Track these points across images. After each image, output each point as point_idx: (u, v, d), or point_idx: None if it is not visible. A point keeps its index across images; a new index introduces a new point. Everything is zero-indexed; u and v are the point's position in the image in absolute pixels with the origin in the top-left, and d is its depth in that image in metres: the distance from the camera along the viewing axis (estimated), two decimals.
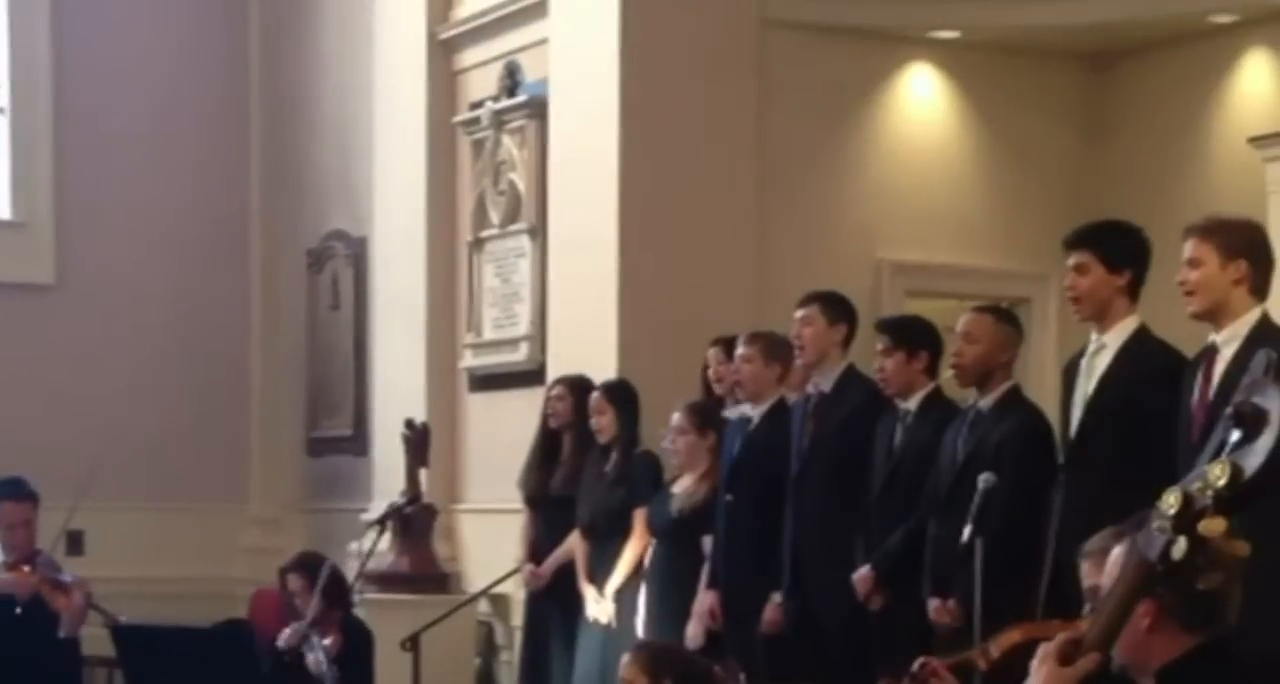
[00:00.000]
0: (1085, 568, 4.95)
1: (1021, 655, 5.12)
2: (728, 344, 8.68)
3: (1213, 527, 3.05)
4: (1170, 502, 3.10)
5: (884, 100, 10.93)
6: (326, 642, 8.42)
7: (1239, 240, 6.18)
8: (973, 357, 7.30)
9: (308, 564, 8.91)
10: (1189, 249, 6.19)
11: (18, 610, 8.97)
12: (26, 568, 9.15)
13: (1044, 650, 3.40)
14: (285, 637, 8.45)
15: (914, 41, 10.94)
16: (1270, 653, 4.86)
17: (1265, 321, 6.15)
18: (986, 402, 7.28)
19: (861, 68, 10.82)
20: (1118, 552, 3.59)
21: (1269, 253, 6.24)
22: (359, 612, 10.05)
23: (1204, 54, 10.56)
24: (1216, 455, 3.12)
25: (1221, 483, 3.04)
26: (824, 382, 8.05)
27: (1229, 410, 3.16)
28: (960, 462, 7.17)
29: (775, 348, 8.33)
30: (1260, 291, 6.18)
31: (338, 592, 8.71)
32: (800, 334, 8.06)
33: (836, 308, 8.11)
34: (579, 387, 9.45)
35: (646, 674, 5.67)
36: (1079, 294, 6.71)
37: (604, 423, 9.13)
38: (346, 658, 8.49)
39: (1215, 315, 6.19)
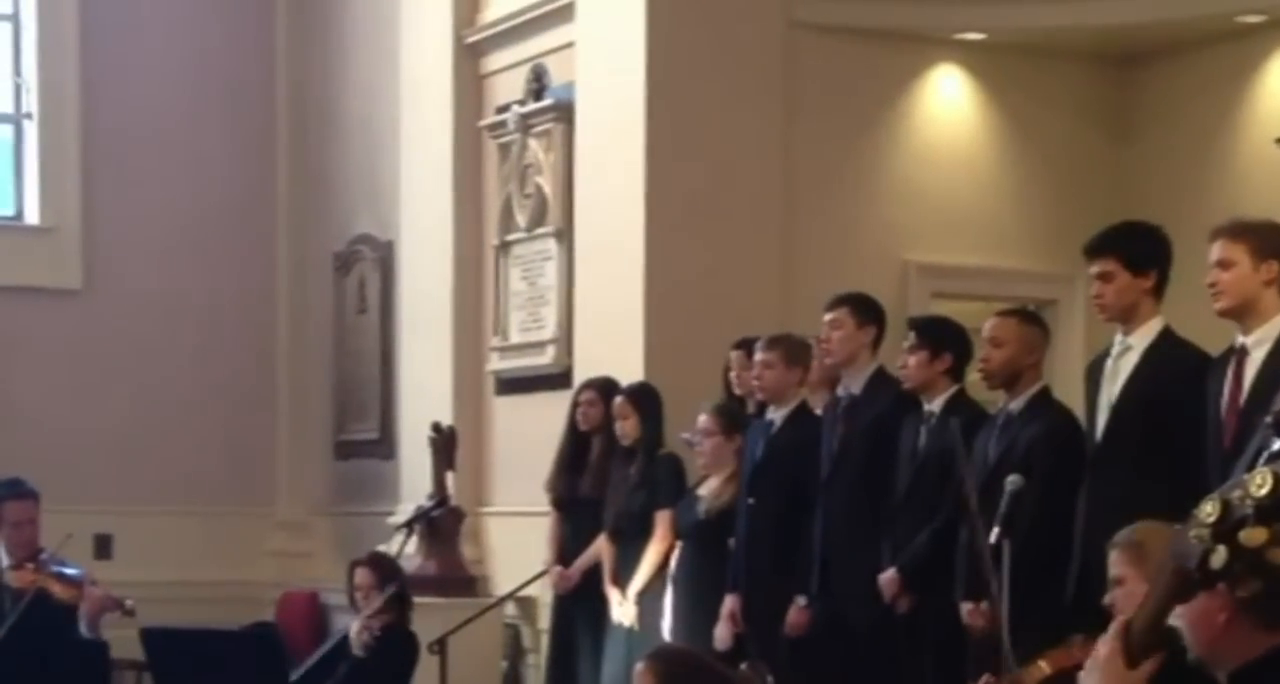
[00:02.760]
0: (1113, 557, 4.94)
1: None
2: (750, 347, 8.68)
3: (1253, 536, 3.00)
4: (1209, 510, 3.05)
5: (910, 102, 10.91)
6: (371, 621, 8.48)
7: (1270, 242, 6.18)
8: (1000, 360, 7.29)
9: (378, 562, 8.95)
10: (1218, 250, 6.17)
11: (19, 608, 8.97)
12: (30, 565, 9.18)
13: (1108, 648, 3.35)
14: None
15: (940, 43, 10.92)
16: None
17: None
18: (1016, 404, 7.27)
19: (888, 70, 10.81)
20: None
21: None
22: None
23: (1232, 54, 10.53)
24: (1255, 463, 3.09)
25: (1263, 492, 3.00)
26: (854, 384, 8.04)
27: (1269, 419, 3.13)
28: (991, 464, 7.16)
29: (795, 352, 8.33)
30: None
31: (399, 593, 8.78)
32: (829, 336, 8.05)
33: (866, 310, 8.10)
34: (608, 390, 9.45)
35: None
36: (1107, 302, 6.69)
37: (628, 427, 9.14)
38: (386, 642, 8.51)
39: (1243, 315, 6.18)
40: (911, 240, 10.82)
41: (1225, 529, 3.01)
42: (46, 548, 9.38)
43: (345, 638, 8.55)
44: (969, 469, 6.70)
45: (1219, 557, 3.02)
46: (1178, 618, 3.42)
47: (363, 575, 8.80)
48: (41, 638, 8.92)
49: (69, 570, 9.24)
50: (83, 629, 9.08)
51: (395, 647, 8.65)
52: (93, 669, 9.28)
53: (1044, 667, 5.71)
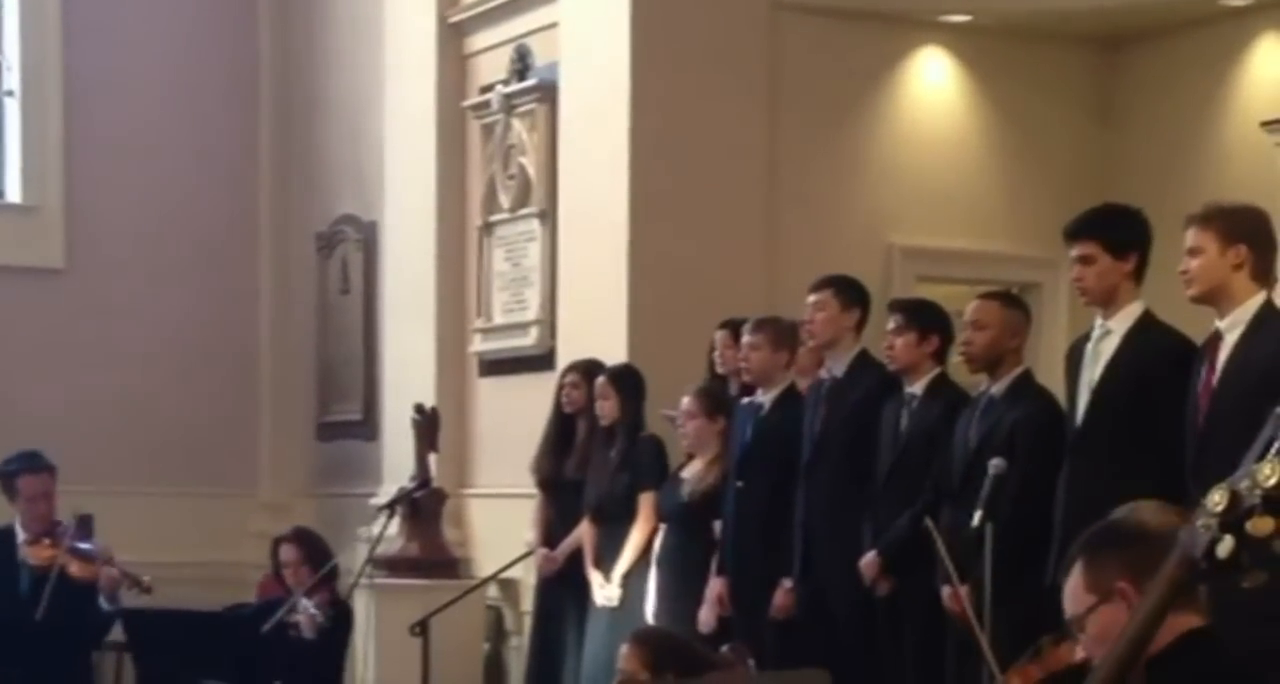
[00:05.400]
0: None
1: None
2: (735, 327, 8.66)
3: (1261, 526, 2.99)
4: (1216, 499, 3.05)
5: (895, 84, 10.89)
6: (315, 599, 8.53)
7: (1238, 226, 6.15)
8: (982, 343, 7.28)
9: (302, 537, 8.99)
10: (1190, 238, 6.17)
11: (46, 588, 8.95)
12: (47, 541, 9.14)
13: None
14: (270, 624, 8.56)
15: (925, 25, 10.90)
16: (1265, 641, 4.86)
17: (1269, 307, 6.12)
18: (998, 387, 7.27)
19: (872, 51, 10.78)
20: (1069, 580, 3.62)
21: (1271, 237, 6.20)
22: (366, 594, 10.11)
23: (1216, 38, 10.52)
24: (1264, 454, 3.08)
25: (1271, 482, 2.99)
26: (837, 367, 8.03)
27: (1277, 409, 3.12)
28: (973, 448, 7.16)
29: (782, 334, 8.31)
30: (1263, 277, 6.14)
31: (331, 578, 8.83)
32: (813, 319, 8.03)
33: (850, 292, 8.09)
34: (593, 372, 9.44)
35: (646, 666, 5.63)
36: (1087, 285, 6.68)
37: (607, 408, 9.13)
38: (336, 617, 8.55)
39: (1215, 300, 6.17)
40: (895, 223, 10.81)
41: (1233, 519, 3.01)
42: (63, 522, 9.35)
43: (279, 619, 8.56)
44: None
45: (1225, 546, 3.01)
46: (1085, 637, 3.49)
47: (288, 552, 8.86)
48: (66, 612, 8.91)
49: (85, 546, 9.22)
50: (103, 602, 9.08)
51: (339, 616, 8.69)
52: (94, 639, 9.31)
53: (1015, 682, 5.68)
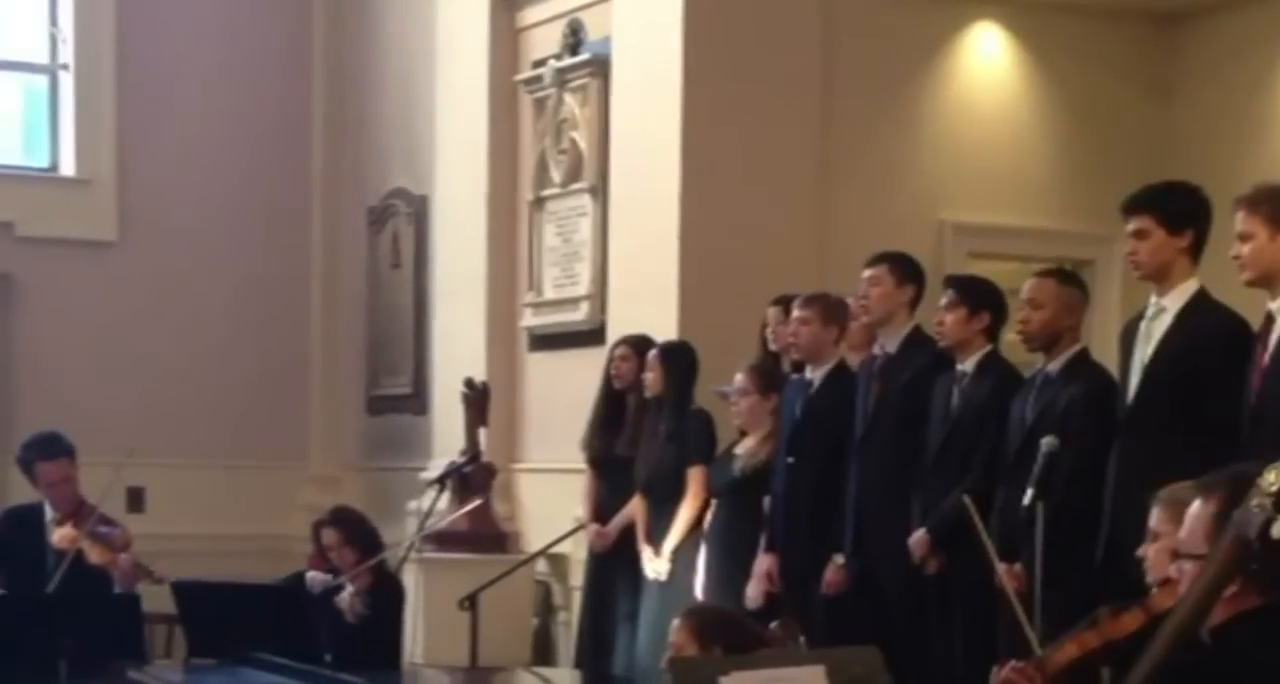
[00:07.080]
0: (1155, 511, 4.91)
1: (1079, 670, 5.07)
2: (788, 303, 8.64)
3: None
4: (1270, 479, 3.03)
5: (949, 60, 10.84)
6: (357, 585, 8.55)
7: None
8: (1039, 322, 7.24)
9: (342, 518, 8.98)
10: (1239, 222, 6.15)
11: (63, 565, 8.94)
12: (70, 523, 9.14)
13: None
14: (313, 586, 8.59)
15: (980, 0, 10.84)
16: None
17: None
18: (1054, 365, 7.23)
19: (927, 26, 10.73)
20: (1198, 505, 3.55)
21: None
22: (415, 568, 10.12)
23: (1274, 12, 10.44)
24: None
25: None
26: (890, 343, 8.01)
27: None
28: (1028, 426, 7.13)
29: (832, 310, 8.30)
30: None
31: (370, 541, 8.81)
32: (868, 294, 8.02)
33: (905, 269, 8.06)
34: (643, 347, 9.42)
35: (696, 641, 5.63)
36: (1141, 259, 6.64)
37: (652, 380, 9.12)
38: (376, 600, 8.56)
39: (1269, 284, 6.14)
40: (948, 199, 10.77)
41: None
42: (87, 502, 9.34)
43: (322, 598, 8.58)
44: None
45: (1279, 526, 3.00)
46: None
47: (330, 536, 8.84)
48: (81, 594, 8.89)
49: (104, 530, 9.20)
50: (117, 588, 9.07)
51: (383, 597, 8.69)
52: (123, 622, 9.27)
53: (1071, 649, 5.66)
